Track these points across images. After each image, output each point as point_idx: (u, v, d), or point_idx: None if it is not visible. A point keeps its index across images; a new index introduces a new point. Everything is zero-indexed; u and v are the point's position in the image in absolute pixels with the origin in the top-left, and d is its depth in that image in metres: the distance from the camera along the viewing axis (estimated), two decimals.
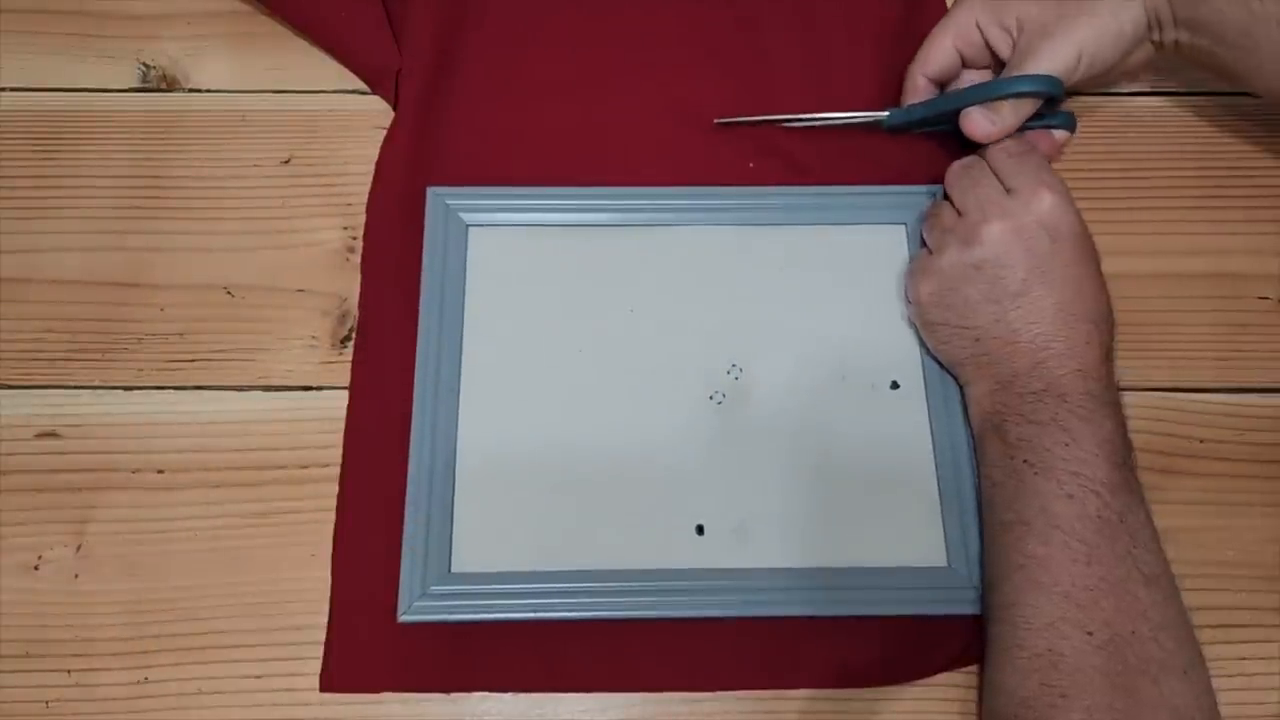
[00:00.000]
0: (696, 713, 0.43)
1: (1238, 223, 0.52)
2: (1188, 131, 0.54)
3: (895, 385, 0.48)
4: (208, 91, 0.55)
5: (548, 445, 0.47)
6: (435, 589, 0.44)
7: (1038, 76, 0.46)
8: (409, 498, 0.45)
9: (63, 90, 0.54)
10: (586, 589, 0.44)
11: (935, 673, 0.44)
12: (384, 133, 0.53)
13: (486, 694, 0.43)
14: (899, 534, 0.45)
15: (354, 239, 0.51)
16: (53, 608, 0.44)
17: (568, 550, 0.45)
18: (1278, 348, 0.50)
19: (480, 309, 0.49)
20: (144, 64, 0.55)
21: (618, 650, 0.44)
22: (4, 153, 0.53)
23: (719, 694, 0.43)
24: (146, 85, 0.55)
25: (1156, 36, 0.47)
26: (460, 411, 0.47)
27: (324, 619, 0.44)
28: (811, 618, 0.44)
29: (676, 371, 0.48)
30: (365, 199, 0.52)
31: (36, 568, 0.45)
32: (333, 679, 0.43)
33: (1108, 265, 0.45)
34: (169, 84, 0.55)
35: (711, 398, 0.48)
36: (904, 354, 0.49)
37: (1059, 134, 0.50)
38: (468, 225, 0.51)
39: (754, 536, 0.45)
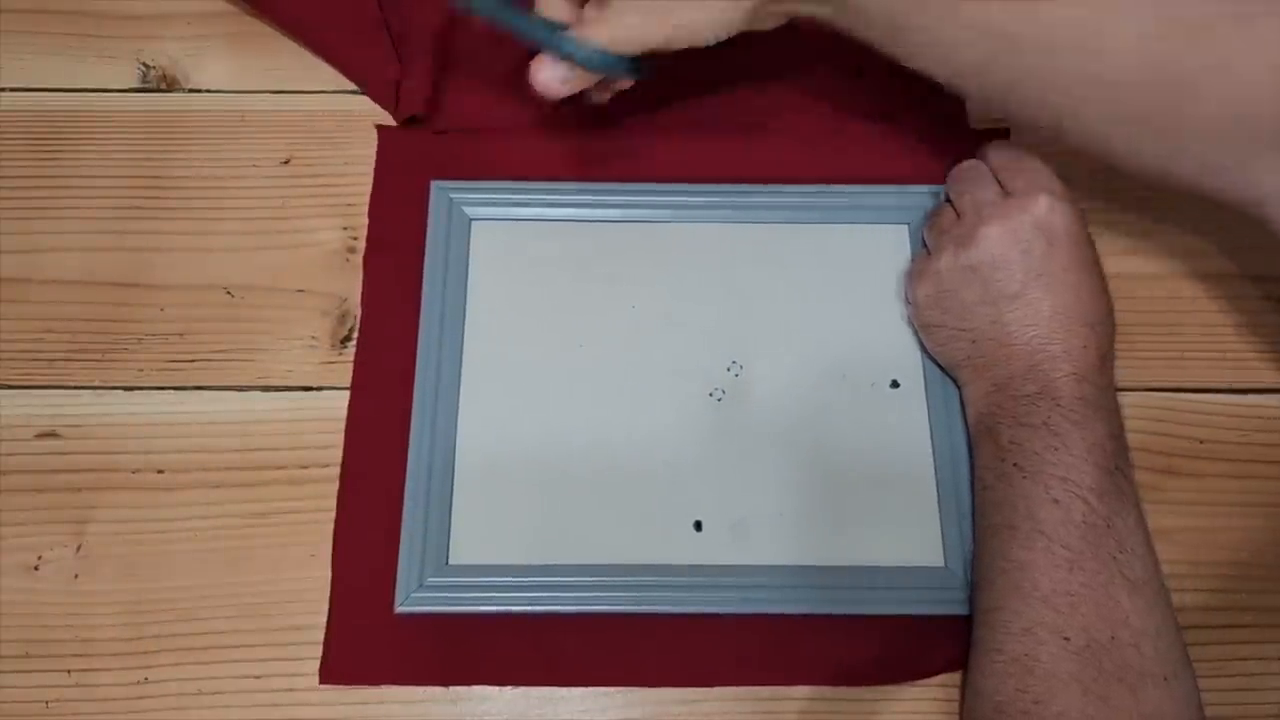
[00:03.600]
0: (695, 713, 0.43)
1: (1238, 222, 0.52)
2: None
3: (895, 384, 0.48)
4: (208, 91, 0.55)
5: (547, 439, 0.47)
6: (432, 580, 0.44)
7: (622, 60, 0.41)
8: (408, 489, 0.45)
9: (63, 90, 0.54)
10: (583, 583, 0.44)
11: (935, 674, 0.44)
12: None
13: (486, 695, 0.43)
14: (897, 533, 0.45)
15: (354, 239, 0.51)
16: (53, 608, 0.44)
17: (565, 545, 0.45)
18: (1278, 348, 0.50)
19: (482, 302, 0.49)
20: (144, 64, 0.55)
21: (614, 645, 0.44)
22: (4, 153, 0.53)
23: (717, 694, 0.43)
24: (146, 85, 0.55)
25: (783, 8, 0.42)
26: (460, 403, 0.47)
27: (324, 618, 0.44)
28: (808, 616, 0.44)
29: (677, 368, 0.48)
30: (365, 199, 0.52)
31: (36, 568, 0.45)
32: (332, 671, 0.43)
33: (1108, 265, 0.45)
34: (169, 84, 0.55)
35: (711, 394, 0.48)
36: (904, 353, 0.49)
37: (620, 83, 0.47)
38: (471, 219, 0.51)
39: (752, 534, 0.45)
